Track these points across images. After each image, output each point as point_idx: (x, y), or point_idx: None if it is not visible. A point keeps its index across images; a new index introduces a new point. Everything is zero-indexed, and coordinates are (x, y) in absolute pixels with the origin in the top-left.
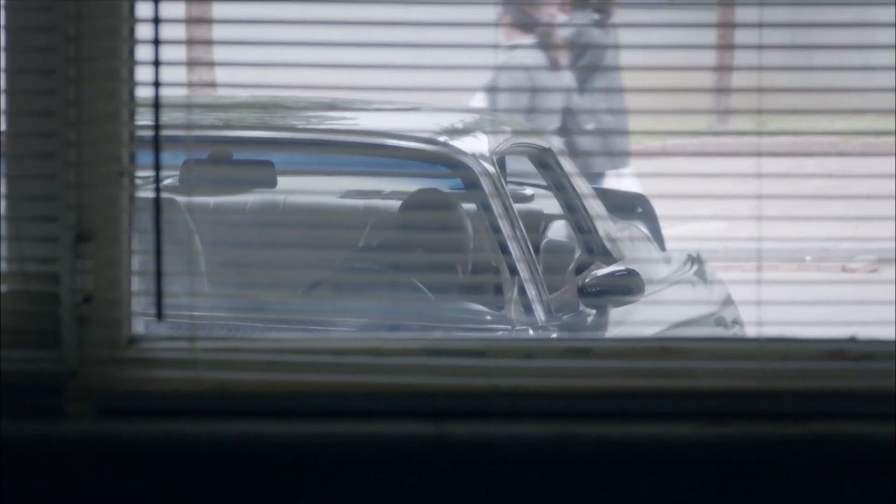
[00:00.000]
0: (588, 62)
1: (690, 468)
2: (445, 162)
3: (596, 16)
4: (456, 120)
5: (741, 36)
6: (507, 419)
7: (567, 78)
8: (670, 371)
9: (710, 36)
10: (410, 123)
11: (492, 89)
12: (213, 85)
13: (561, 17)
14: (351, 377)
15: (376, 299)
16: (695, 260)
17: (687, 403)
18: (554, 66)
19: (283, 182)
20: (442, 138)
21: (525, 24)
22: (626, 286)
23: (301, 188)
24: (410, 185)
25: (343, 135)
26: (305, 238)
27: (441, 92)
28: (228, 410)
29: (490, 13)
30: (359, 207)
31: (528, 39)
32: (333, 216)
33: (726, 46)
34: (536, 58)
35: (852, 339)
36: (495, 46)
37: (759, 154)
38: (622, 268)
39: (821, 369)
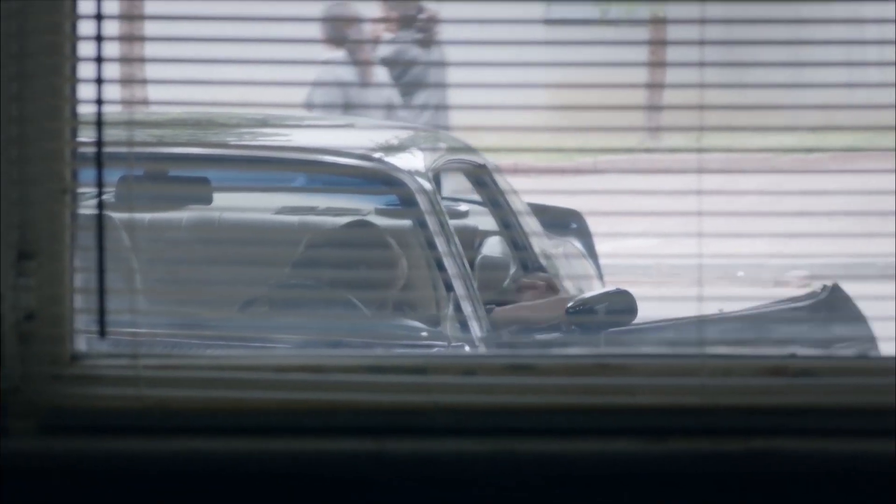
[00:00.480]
0: (410, 79)
1: (632, 484)
2: (382, 179)
3: (420, 34)
4: (391, 136)
5: (681, 53)
6: (448, 436)
7: (387, 94)
8: (611, 388)
9: (645, 53)
10: (345, 140)
11: (308, 105)
12: (154, 102)
13: (385, 35)
14: (292, 394)
15: (313, 316)
16: (829, 287)
17: (628, 420)
18: (366, 80)
19: (220, 199)
20: (377, 155)
21: (341, 40)
22: (623, 306)
23: (237, 205)
24: (347, 202)
25: (281, 151)
26: (243, 255)
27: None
28: (171, 427)
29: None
30: (295, 224)
31: (343, 55)
32: (271, 233)
33: (660, 64)
34: (352, 73)
35: (792, 356)
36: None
37: (699, 171)
38: (614, 288)
39: (761, 385)
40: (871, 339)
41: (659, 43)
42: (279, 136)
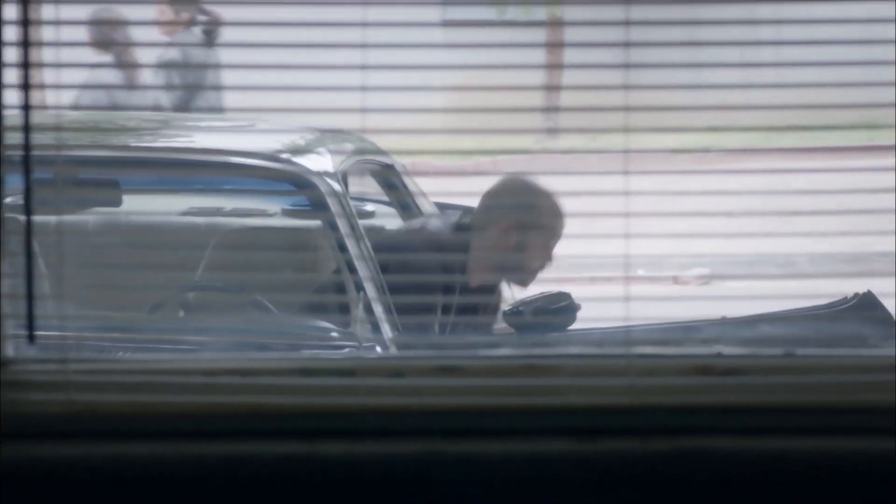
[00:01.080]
0: (190, 81)
1: (562, 484)
2: (292, 180)
3: (203, 35)
4: (297, 137)
5: (582, 55)
6: (377, 438)
7: (155, 96)
8: (539, 388)
9: (541, 55)
10: (249, 141)
11: (76, 107)
12: (78, 108)
13: (164, 38)
14: (222, 398)
15: (223, 318)
16: (860, 294)
17: (557, 420)
18: (133, 84)
19: (129, 201)
20: (286, 156)
21: (106, 43)
22: (565, 309)
23: (146, 207)
24: (255, 203)
25: (192, 153)
26: (164, 257)
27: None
28: (101, 432)
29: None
30: (212, 226)
31: (110, 57)
32: (193, 234)
33: (557, 66)
34: (118, 76)
35: (718, 355)
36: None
37: (626, 172)
38: (555, 291)
39: (688, 385)
40: None
41: (579, 45)
42: (185, 139)
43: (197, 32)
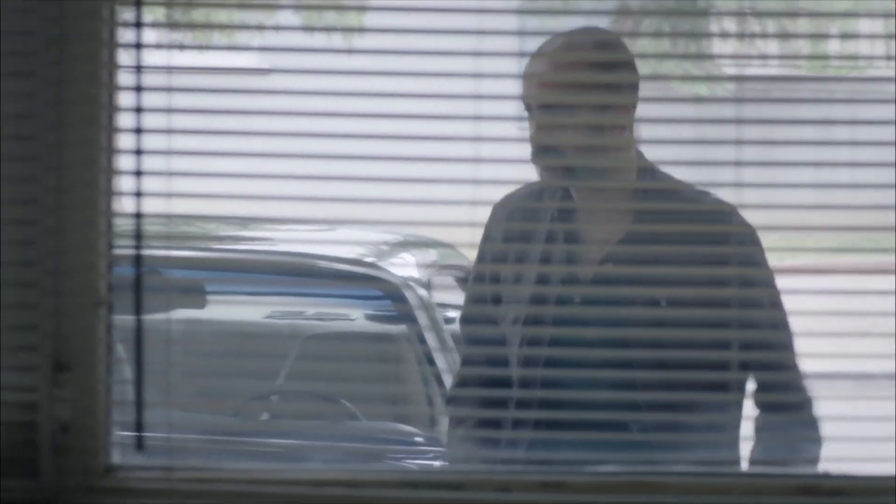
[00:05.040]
0: None
1: None
2: (381, 289)
3: None
4: (381, 241)
5: None
6: None
7: None
8: None
9: None
10: (334, 240)
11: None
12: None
13: None
14: None
15: (307, 423)
16: None
17: None
18: None
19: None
20: (370, 260)
21: None
22: None
23: (230, 308)
24: (336, 307)
25: (281, 256)
26: (249, 361)
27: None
28: None
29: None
30: (295, 330)
31: None
32: (274, 338)
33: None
34: None
35: (825, 475)
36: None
37: None
38: None
39: None
40: None
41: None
42: (272, 240)
43: None
